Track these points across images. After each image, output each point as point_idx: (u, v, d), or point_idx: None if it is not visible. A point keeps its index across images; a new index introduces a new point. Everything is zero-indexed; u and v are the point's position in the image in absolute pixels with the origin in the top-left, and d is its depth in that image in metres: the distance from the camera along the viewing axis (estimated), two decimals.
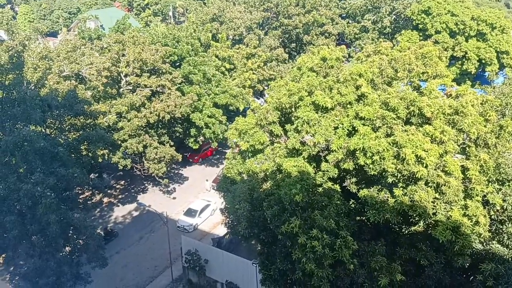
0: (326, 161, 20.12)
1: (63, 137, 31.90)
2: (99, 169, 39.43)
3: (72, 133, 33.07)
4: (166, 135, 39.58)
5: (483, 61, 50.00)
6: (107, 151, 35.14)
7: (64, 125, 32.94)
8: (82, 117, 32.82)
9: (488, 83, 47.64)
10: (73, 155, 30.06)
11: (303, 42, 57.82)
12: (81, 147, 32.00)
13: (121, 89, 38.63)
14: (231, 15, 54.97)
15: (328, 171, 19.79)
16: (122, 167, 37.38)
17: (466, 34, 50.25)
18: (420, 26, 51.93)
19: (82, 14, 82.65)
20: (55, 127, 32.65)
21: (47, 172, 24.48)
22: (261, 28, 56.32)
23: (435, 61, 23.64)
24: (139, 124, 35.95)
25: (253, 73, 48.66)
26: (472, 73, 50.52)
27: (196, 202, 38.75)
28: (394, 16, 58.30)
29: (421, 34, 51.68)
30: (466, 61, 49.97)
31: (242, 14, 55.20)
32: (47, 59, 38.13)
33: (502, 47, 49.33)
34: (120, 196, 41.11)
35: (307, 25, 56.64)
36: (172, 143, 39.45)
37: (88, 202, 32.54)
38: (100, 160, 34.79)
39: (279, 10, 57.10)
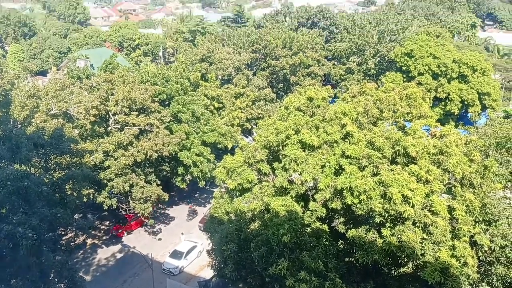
0: (314, 200, 20.07)
1: (48, 176, 31.41)
2: (84, 209, 38.68)
3: (57, 172, 32.57)
4: (153, 174, 39.25)
5: (466, 102, 51.31)
6: (92, 190, 34.62)
7: (50, 164, 32.50)
8: (68, 155, 32.47)
9: (471, 123, 48.66)
10: (57, 195, 29.50)
11: (290, 82, 58.92)
12: (66, 187, 31.45)
13: (109, 128, 38.57)
14: (220, 56, 56.03)
15: (316, 210, 19.70)
16: (107, 207, 36.74)
17: (448, 76, 51.78)
18: (404, 68, 53.45)
19: (73, 53, 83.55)
20: (40, 166, 32.17)
21: (30, 212, 23.92)
22: (249, 68, 57.37)
23: (419, 102, 24.21)
24: (126, 163, 35.66)
25: (242, 112, 49.14)
26: (455, 113, 51.72)
27: (182, 244, 37.97)
28: (378, 59, 60.04)
29: (404, 75, 53.10)
30: (449, 102, 51.24)
31: (231, 55, 56.32)
32: (35, 97, 38.13)
33: (484, 89, 50.80)
34: (104, 237, 40.16)
35: (294, 66, 57.91)
36: (158, 182, 39.08)
37: (71, 243, 31.72)
38: (85, 199, 34.19)
39: (266, 52, 58.45)
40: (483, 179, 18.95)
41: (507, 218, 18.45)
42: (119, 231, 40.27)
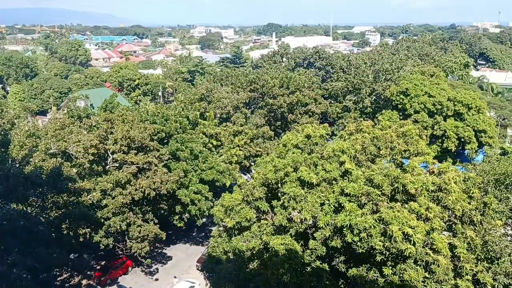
0: (314, 238, 19.85)
1: (44, 215, 31.12)
2: (80, 249, 38.02)
3: (54, 211, 32.32)
4: (150, 212, 38.91)
5: (462, 140, 51.75)
6: (89, 229, 34.17)
7: (47, 203, 32.28)
8: (65, 194, 32.32)
9: (469, 160, 48.90)
10: (53, 234, 29.16)
11: (288, 120, 59.56)
12: (63, 226, 31.10)
13: (107, 166, 38.57)
14: (219, 95, 56.92)
15: (316, 249, 19.45)
16: (103, 246, 36.17)
17: (444, 114, 52.49)
18: (400, 106, 54.24)
19: (73, 93, 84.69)
20: (37, 205, 31.95)
21: (25, 253, 23.54)
22: (247, 107, 58.15)
23: (416, 140, 24.41)
24: (123, 201, 35.44)
25: (240, 150, 49.36)
26: (453, 151, 52.00)
27: (180, 284, 37.12)
28: (374, 97, 60.99)
29: (400, 113, 53.81)
30: (446, 140, 51.64)
31: (229, 94, 57.24)
32: (34, 136, 38.32)
33: (480, 126, 51.37)
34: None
35: (291, 105, 58.72)
36: (156, 221, 38.67)
37: (66, 284, 30.98)
38: (81, 239, 33.70)
39: (264, 91, 59.41)
40: (483, 216, 18.88)
41: (509, 255, 18.24)
42: (101, 278, 38.04)
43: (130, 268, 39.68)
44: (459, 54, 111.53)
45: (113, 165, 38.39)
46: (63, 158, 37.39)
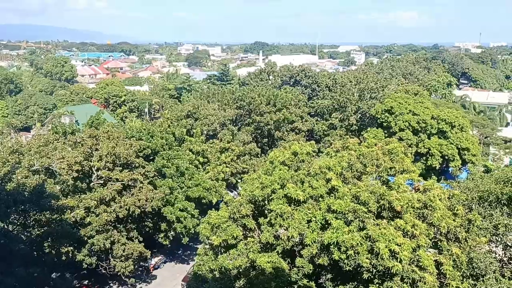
0: (301, 256, 19.75)
1: (26, 233, 30.41)
2: (62, 268, 37.12)
3: (36, 229, 31.61)
4: (135, 230, 38.30)
5: (446, 157, 52.48)
6: (71, 248, 33.43)
7: (29, 221, 31.58)
8: (48, 212, 31.67)
9: (453, 178, 49.52)
10: (35, 253, 28.47)
11: (274, 137, 59.77)
12: (45, 244, 30.39)
13: (92, 183, 38.01)
14: (206, 112, 56.93)
15: (303, 267, 19.33)
16: (86, 265, 35.38)
17: (428, 131, 53.28)
18: (385, 124, 54.93)
19: (58, 110, 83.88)
20: (18, 223, 31.24)
21: (6, 272, 22.90)
22: (234, 124, 58.24)
23: (401, 157, 24.65)
24: (108, 219, 34.83)
25: (227, 167, 49.20)
26: (437, 168, 52.67)
27: None
28: (360, 115, 61.73)
29: (385, 131, 54.47)
30: (430, 157, 52.32)
31: (216, 111, 57.30)
32: (17, 153, 37.69)
33: (463, 144, 52.23)
34: None
35: (278, 122, 59.02)
36: (141, 239, 38.06)
37: None
38: (64, 258, 32.94)
39: (251, 108, 59.66)
40: (468, 233, 19.04)
41: (494, 272, 18.37)
42: None
43: None
44: (442, 74, 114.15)
45: (98, 182, 37.86)
46: (47, 175, 36.77)
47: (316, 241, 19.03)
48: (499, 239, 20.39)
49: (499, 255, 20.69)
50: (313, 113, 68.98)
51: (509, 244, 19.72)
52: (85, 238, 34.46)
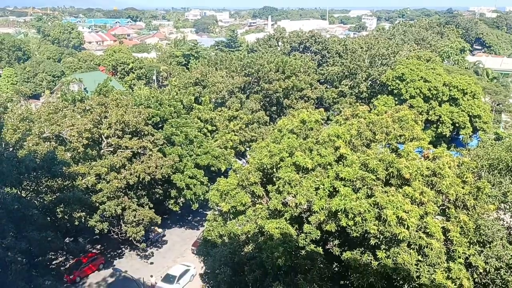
0: (308, 222, 19.95)
1: (39, 199, 31.02)
2: (75, 233, 38.12)
3: (48, 195, 32.24)
4: (145, 197, 38.92)
5: (457, 125, 51.90)
6: (84, 213, 34.18)
7: (41, 187, 32.18)
8: (59, 178, 32.20)
9: (463, 145, 49.13)
10: (48, 218, 29.15)
11: (283, 105, 59.39)
12: (57, 210, 31.03)
13: (102, 151, 38.41)
14: (214, 80, 56.51)
15: (310, 233, 19.56)
16: (98, 230, 36.24)
17: (439, 99, 52.51)
18: (395, 91, 54.17)
19: (66, 77, 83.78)
20: (31, 189, 31.85)
21: (19, 236, 23.53)
22: (242, 92, 57.85)
23: (411, 125, 24.36)
24: (118, 185, 35.37)
25: (235, 135, 49.24)
26: (447, 136, 52.21)
27: (175, 267, 37.38)
28: (370, 82, 60.88)
29: (396, 98, 53.78)
30: (440, 125, 51.78)
31: (224, 79, 56.83)
32: (27, 120, 38.00)
33: (474, 112, 51.50)
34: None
35: (287, 90, 58.47)
36: (151, 205, 38.72)
37: (62, 268, 31.06)
38: (76, 223, 33.73)
39: (260, 76, 59.05)
40: (477, 201, 19.01)
41: (501, 239, 18.44)
42: (70, 276, 35.71)
43: (101, 266, 38.05)
44: (455, 39, 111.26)
45: (108, 149, 38.22)
46: (57, 142, 37.19)
47: (324, 208, 19.15)
48: (508, 207, 20.37)
49: (507, 222, 20.72)
50: (322, 81, 68.20)
51: None
52: (97, 204, 35.13)
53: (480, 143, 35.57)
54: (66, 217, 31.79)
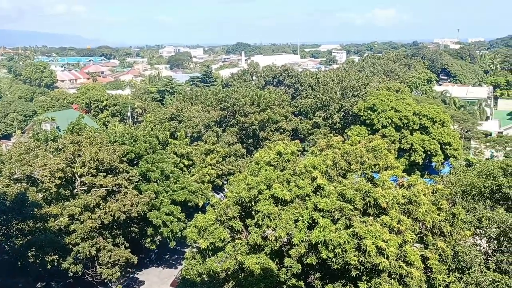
0: (289, 256, 19.76)
1: (9, 243, 29.77)
2: (47, 277, 36.52)
3: (19, 239, 30.99)
4: (121, 236, 37.86)
5: (429, 152, 53.17)
6: (56, 256, 32.87)
7: (11, 230, 30.94)
8: (31, 221, 31.10)
9: (436, 172, 50.20)
10: (19, 263, 27.90)
11: (259, 138, 59.76)
12: (29, 254, 29.79)
13: (75, 190, 37.45)
14: (189, 114, 56.64)
15: (291, 267, 19.34)
16: (72, 273, 34.82)
17: (410, 127, 53.91)
18: (368, 121, 55.39)
19: (38, 116, 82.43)
20: (1, 233, 30.58)
21: None
22: (218, 125, 58.06)
23: (385, 154, 24.89)
24: (92, 226, 34.35)
25: (212, 168, 48.98)
26: (420, 163, 53.32)
27: None
28: (343, 113, 62.17)
29: (369, 128, 54.92)
30: (413, 153, 52.93)
31: (200, 113, 57.05)
32: None
33: (445, 139, 52.98)
34: None
35: (262, 122, 59.04)
36: (127, 245, 37.63)
37: None
38: (48, 267, 32.37)
39: (235, 109, 59.56)
40: (453, 227, 19.29)
41: (479, 265, 18.64)
42: None
43: None
44: (422, 70, 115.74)
45: (81, 188, 37.31)
46: (28, 183, 36.12)
47: (304, 240, 19.06)
48: (483, 232, 20.71)
49: (483, 247, 21.02)
50: (297, 113, 69.24)
51: (493, 236, 20.04)
52: (70, 246, 33.92)
53: (452, 170, 36.44)
54: (38, 261, 30.53)
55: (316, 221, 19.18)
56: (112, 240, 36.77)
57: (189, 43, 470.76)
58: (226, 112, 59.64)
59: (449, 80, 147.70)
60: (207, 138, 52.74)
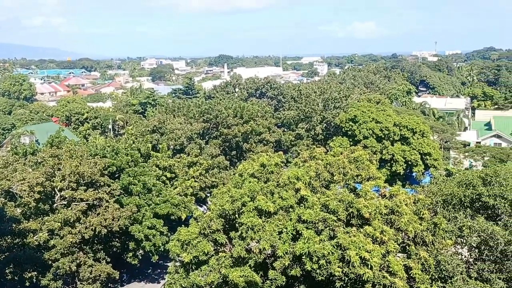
0: (273, 268, 19.66)
1: None
2: None
3: None
4: (102, 251, 37.15)
5: (410, 163, 53.93)
6: (35, 273, 32.06)
7: None
8: (9, 237, 30.32)
9: (417, 182, 50.85)
10: None
11: (243, 149, 59.72)
12: (7, 271, 28.97)
13: (55, 205, 36.69)
14: (172, 127, 56.30)
15: (276, 279, 19.25)
16: None
17: (391, 138, 54.69)
18: (349, 132, 56.00)
19: (17, 129, 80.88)
20: None
21: None
22: (201, 137, 57.83)
23: (367, 164, 25.14)
24: (73, 241, 33.66)
25: (195, 181, 48.60)
26: (401, 174, 54.00)
27: None
28: (325, 124, 62.75)
29: (350, 139, 55.50)
30: (394, 163, 53.61)
31: (183, 125, 56.76)
32: None
33: (425, 150, 53.87)
34: None
35: (245, 134, 59.08)
36: (108, 260, 36.94)
37: None
38: (27, 284, 31.50)
39: (218, 121, 59.48)
40: (434, 237, 19.53)
41: (461, 274, 18.87)
42: None
43: None
44: (402, 82, 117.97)
45: (61, 203, 36.58)
46: (7, 198, 35.27)
47: (288, 252, 19.02)
48: (464, 241, 21.00)
49: (464, 256, 21.30)
50: (280, 124, 69.57)
51: (474, 245, 20.33)
52: (50, 262, 33.14)
53: (433, 179, 37.01)
54: (16, 277, 29.73)
55: (300, 232, 19.19)
56: (93, 255, 36.05)
57: (171, 55, 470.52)
58: (209, 124, 59.51)
59: (428, 92, 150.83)
60: (190, 150, 52.43)
